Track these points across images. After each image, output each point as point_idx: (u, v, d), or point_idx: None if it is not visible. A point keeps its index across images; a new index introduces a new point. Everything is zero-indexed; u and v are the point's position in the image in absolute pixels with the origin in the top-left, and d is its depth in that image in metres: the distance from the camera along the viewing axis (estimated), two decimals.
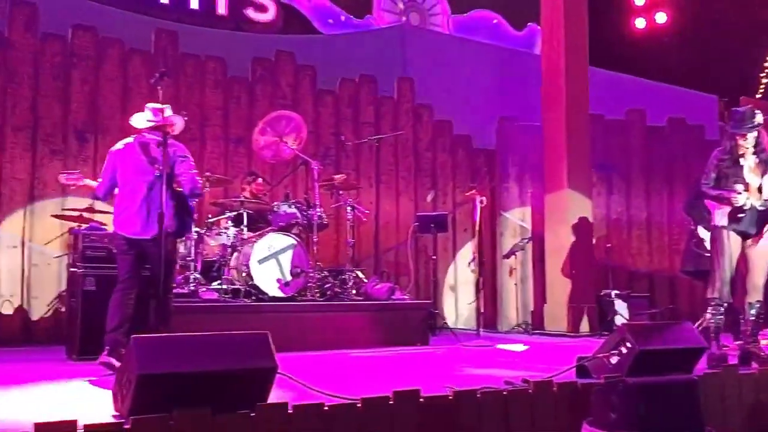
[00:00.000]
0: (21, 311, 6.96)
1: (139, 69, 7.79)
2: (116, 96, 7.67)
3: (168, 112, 5.04)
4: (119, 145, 5.08)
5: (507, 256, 9.09)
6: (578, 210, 8.54)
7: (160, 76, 4.66)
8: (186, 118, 5.32)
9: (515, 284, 9.17)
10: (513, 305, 9.21)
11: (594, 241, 8.84)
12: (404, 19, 12.39)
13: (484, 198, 7.58)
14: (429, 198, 8.67)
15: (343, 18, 11.91)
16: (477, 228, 7.43)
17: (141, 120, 5.01)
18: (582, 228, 8.52)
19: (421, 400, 3.32)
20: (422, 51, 11.04)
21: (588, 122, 8.81)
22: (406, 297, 7.13)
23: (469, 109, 10.22)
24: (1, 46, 7.13)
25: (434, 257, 8.47)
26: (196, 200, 5.11)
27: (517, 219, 9.42)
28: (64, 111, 7.38)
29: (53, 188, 7.23)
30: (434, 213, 8.48)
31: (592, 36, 9.00)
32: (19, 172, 7.11)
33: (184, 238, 6.26)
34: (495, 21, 13.30)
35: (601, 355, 3.92)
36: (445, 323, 8.28)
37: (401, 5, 12.48)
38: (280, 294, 6.34)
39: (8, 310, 6.91)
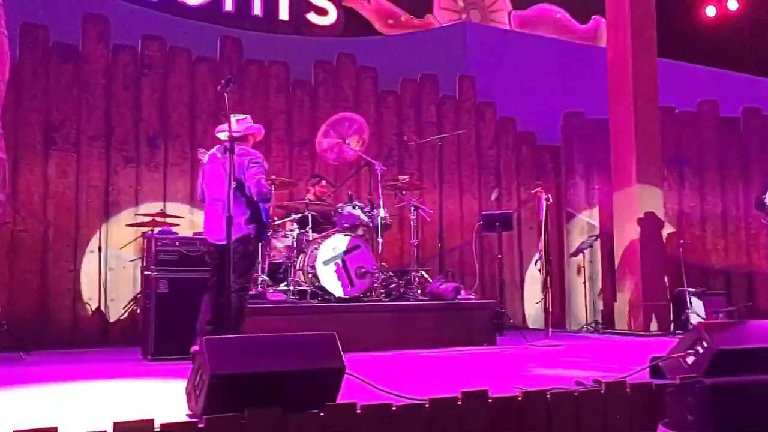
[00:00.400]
0: (99, 313, 7.24)
1: (205, 76, 7.99)
2: (184, 103, 7.89)
3: (249, 121, 5.34)
4: (206, 156, 5.34)
5: (575, 254, 8.92)
6: (648, 205, 8.30)
7: (226, 83, 4.77)
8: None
9: (584, 282, 8.98)
10: (582, 304, 9.02)
11: (666, 237, 8.58)
12: (464, 16, 12.30)
13: (549, 195, 7.44)
14: (493, 196, 8.58)
15: (403, 18, 11.92)
16: (543, 226, 7.31)
17: (224, 133, 5.18)
18: (653, 224, 8.28)
19: (490, 400, 3.28)
20: (483, 48, 10.95)
21: (657, 115, 8.56)
22: (471, 296, 7.08)
23: (532, 105, 10.06)
24: (76, 59, 7.41)
25: (500, 256, 8.38)
26: (267, 204, 5.22)
27: (584, 216, 9.22)
28: (135, 119, 7.64)
29: (127, 194, 7.50)
30: (499, 211, 8.38)
31: (659, 26, 8.73)
32: (94, 179, 7.38)
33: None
34: (558, 15, 13.07)
35: (676, 354, 3.80)
36: (512, 323, 8.18)
37: (461, 3, 12.40)
38: (345, 294, 6.38)
39: (87, 312, 7.19)
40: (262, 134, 5.53)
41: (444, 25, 11.94)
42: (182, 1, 10.16)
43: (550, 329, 7.28)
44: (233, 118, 5.21)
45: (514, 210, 9.04)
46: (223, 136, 5.24)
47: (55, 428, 2.43)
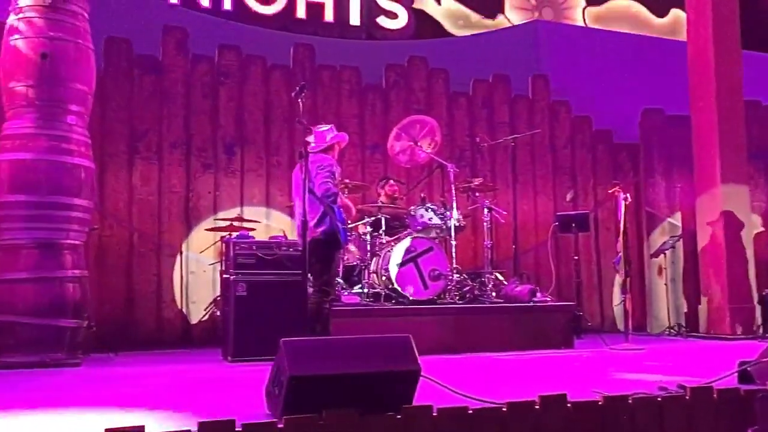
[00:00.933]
0: (181, 315, 7.48)
1: (279, 83, 8.15)
2: (259, 110, 8.07)
3: (333, 131, 5.55)
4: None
5: (656, 255, 8.64)
6: (734, 204, 7.95)
7: (300, 89, 4.86)
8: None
9: (665, 284, 8.68)
10: (664, 306, 8.72)
11: (753, 236, 8.20)
12: (537, 15, 12.11)
13: (628, 195, 7.23)
14: (569, 197, 8.40)
15: (473, 19, 11.83)
16: (622, 226, 7.11)
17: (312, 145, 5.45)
18: (739, 223, 7.94)
19: (569, 405, 3.21)
20: (557, 46, 10.77)
21: (742, 109, 8.20)
22: (548, 299, 6.95)
23: (609, 102, 9.81)
24: (157, 70, 7.70)
25: (576, 257, 8.21)
26: (335, 206, 5.29)
27: (665, 216, 8.93)
28: (213, 127, 7.86)
29: (206, 199, 7.73)
30: (575, 212, 8.22)
31: (743, 16, 8.37)
32: (176, 185, 7.64)
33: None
34: (634, 9, 12.71)
35: (767, 359, 3.62)
36: (590, 326, 7.99)
37: (533, 1, 12.22)
38: (419, 297, 6.38)
39: (170, 315, 7.44)
40: (346, 141, 5.71)
41: (516, 24, 11.79)
42: (256, 10, 10.40)
43: (631, 332, 7.07)
44: (317, 129, 5.50)
45: (591, 210, 8.85)
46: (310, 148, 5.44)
47: (143, 427, 2.52)
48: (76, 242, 5.79)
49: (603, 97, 10.06)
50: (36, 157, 5.56)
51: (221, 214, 7.59)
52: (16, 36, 5.66)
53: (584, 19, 12.46)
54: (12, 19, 5.72)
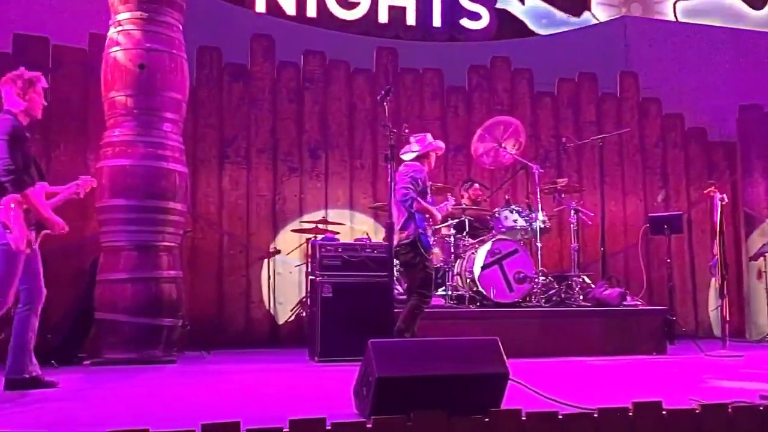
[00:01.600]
0: (268, 316, 7.67)
1: (362, 87, 8.24)
2: (343, 114, 8.18)
3: (429, 138, 5.63)
4: None
5: (755, 258, 8.24)
6: None
7: (386, 93, 4.93)
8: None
9: (766, 289, 8.26)
10: (764, 311, 8.30)
11: None
12: (624, 10, 11.76)
13: (724, 195, 6.92)
14: (660, 197, 8.14)
15: (558, 17, 11.60)
16: (718, 228, 6.81)
17: (408, 155, 5.62)
18: None
19: (664, 412, 3.10)
20: (646, 42, 10.42)
21: None
22: (638, 303, 6.74)
23: (702, 99, 9.43)
24: (245, 77, 7.93)
25: (668, 260, 7.90)
26: (413, 211, 5.36)
27: (765, 217, 8.49)
28: (298, 131, 8.03)
29: (292, 203, 7.90)
30: (667, 213, 7.93)
31: None
32: (263, 189, 7.84)
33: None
34: (728, 2, 12.14)
35: None
36: (684, 331, 7.69)
37: None
38: (504, 300, 6.31)
39: (258, 315, 7.64)
40: (441, 149, 5.72)
41: (602, 21, 11.49)
42: (340, 16, 10.53)
43: (728, 338, 6.76)
44: (414, 137, 5.63)
45: (684, 211, 8.51)
46: (406, 157, 5.59)
47: (238, 422, 2.60)
48: (172, 244, 6.03)
49: (696, 93, 9.69)
50: (134, 163, 5.83)
51: (306, 217, 7.74)
52: (116, 48, 5.95)
53: (675, 14, 12.00)
54: (112, 32, 6.03)
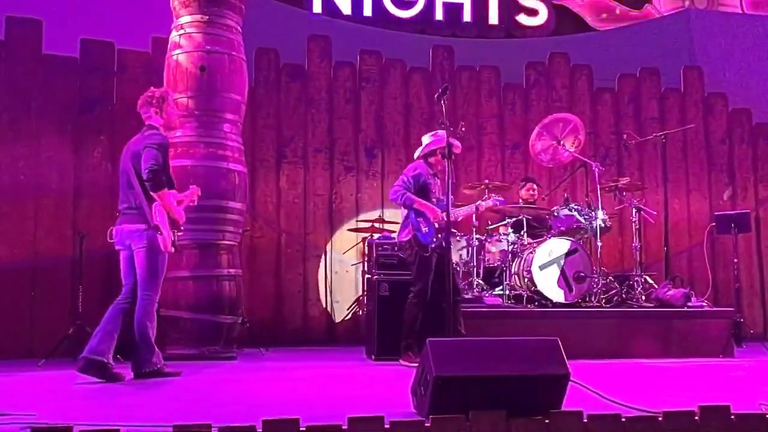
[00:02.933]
0: (325, 314, 7.73)
1: (418, 86, 8.23)
2: (399, 113, 8.18)
3: (438, 135, 5.55)
4: None
5: None
6: None
7: (443, 91, 4.91)
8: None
9: None
10: None
11: None
12: (688, 3, 11.43)
13: None
14: (726, 195, 7.88)
15: (618, 11, 11.35)
16: None
17: (417, 152, 5.76)
18: None
19: (732, 417, 3.00)
20: (711, 36, 10.11)
21: None
22: (704, 304, 6.54)
23: None
24: (302, 77, 8.01)
25: (736, 260, 7.64)
26: (407, 210, 5.48)
27: None
28: (354, 130, 8.07)
29: (348, 202, 7.95)
30: (734, 212, 7.67)
31: None
32: (320, 188, 7.91)
33: (465, 245, 6.50)
34: None
35: None
36: (752, 333, 7.42)
37: None
38: (563, 300, 6.21)
39: (315, 313, 7.72)
40: (441, 144, 5.39)
41: (665, 14, 11.19)
42: (396, 15, 10.55)
43: None
44: (425, 136, 5.66)
45: (751, 209, 8.22)
46: (416, 155, 5.71)
47: (298, 419, 2.63)
48: (232, 243, 6.14)
49: (764, 88, 9.34)
50: (195, 163, 5.96)
51: (363, 216, 7.78)
52: (178, 51, 6.10)
53: (742, 6, 11.60)
54: (174, 36, 6.17)
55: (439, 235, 5.31)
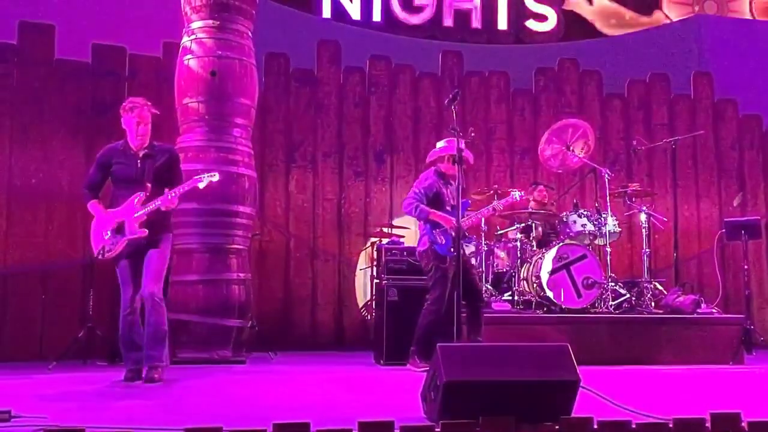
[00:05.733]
0: (334, 318, 7.74)
1: (428, 91, 8.25)
2: (408, 118, 8.20)
3: (440, 144, 5.67)
4: None
5: None
6: None
7: (453, 97, 4.94)
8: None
9: None
10: None
11: None
12: (697, 9, 11.41)
13: None
14: (736, 201, 7.86)
15: (627, 17, 11.35)
16: None
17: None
18: None
19: (743, 424, 2.99)
20: (721, 41, 10.09)
21: None
22: (713, 311, 6.51)
23: None
24: (312, 82, 8.04)
25: (746, 267, 7.60)
26: (421, 221, 5.53)
27: None
28: (364, 135, 8.09)
29: (357, 206, 7.96)
30: (744, 218, 7.64)
31: None
32: (329, 193, 7.93)
33: (473, 251, 6.50)
34: None
35: None
36: (763, 341, 7.38)
37: None
38: (572, 306, 6.20)
39: (323, 317, 7.72)
40: (446, 153, 5.47)
41: (675, 20, 11.17)
42: (405, 21, 10.58)
43: None
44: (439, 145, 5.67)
45: (762, 216, 8.19)
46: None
47: (308, 423, 2.64)
48: (241, 247, 6.16)
49: None
50: (206, 167, 5.93)
51: (372, 221, 7.79)
52: (189, 56, 6.13)
53: (752, 12, 11.58)
54: (185, 41, 6.21)
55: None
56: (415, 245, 5.99)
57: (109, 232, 4.54)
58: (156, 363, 4.53)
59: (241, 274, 6.09)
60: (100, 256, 4.59)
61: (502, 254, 6.80)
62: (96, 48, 7.13)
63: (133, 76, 7.18)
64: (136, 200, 4.54)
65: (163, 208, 4.53)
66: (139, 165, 4.62)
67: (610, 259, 6.52)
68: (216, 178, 4.70)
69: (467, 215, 5.58)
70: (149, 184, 4.56)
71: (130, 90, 7.10)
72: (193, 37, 6.15)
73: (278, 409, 3.58)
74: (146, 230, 4.52)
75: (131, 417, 3.34)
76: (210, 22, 6.11)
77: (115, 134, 6.91)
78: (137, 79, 7.17)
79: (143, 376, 4.51)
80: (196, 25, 6.16)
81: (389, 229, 7.40)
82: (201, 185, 4.64)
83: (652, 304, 6.50)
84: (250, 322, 6.16)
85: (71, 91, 6.92)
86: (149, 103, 4.78)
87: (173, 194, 4.51)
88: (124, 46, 7.26)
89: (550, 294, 6.20)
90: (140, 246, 4.57)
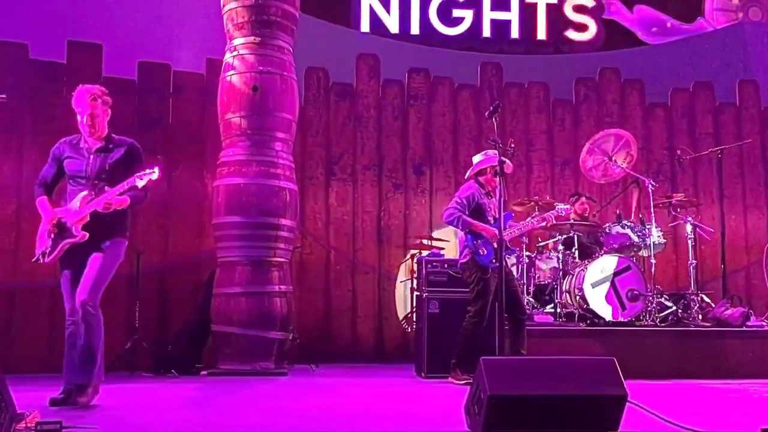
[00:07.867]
0: (374, 331, 7.74)
1: (466, 103, 8.24)
2: (447, 130, 8.20)
3: (489, 154, 5.49)
4: None
5: None
6: None
7: (494, 109, 4.93)
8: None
9: None
10: None
11: None
12: (741, 15, 11.21)
13: None
14: None
15: (669, 25, 11.20)
16: None
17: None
18: None
19: None
20: (767, 48, 9.88)
21: None
22: (764, 323, 6.35)
23: None
24: (351, 95, 8.10)
25: None
26: (463, 232, 5.41)
27: None
28: (403, 148, 8.11)
29: (396, 218, 7.97)
30: None
31: None
32: (368, 205, 7.95)
33: (514, 262, 6.43)
34: None
35: None
36: None
37: (737, 1, 11.32)
38: (616, 318, 6.10)
39: (364, 330, 7.73)
40: (489, 163, 5.39)
41: (718, 27, 10.98)
42: (443, 33, 10.60)
43: None
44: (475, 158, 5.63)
45: None
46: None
47: None
48: (283, 260, 6.22)
49: None
50: (248, 181, 6.07)
51: (411, 233, 7.79)
52: (231, 72, 6.24)
53: None
54: (228, 57, 6.32)
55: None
56: (455, 257, 5.97)
57: (52, 234, 4.01)
58: (84, 384, 3.97)
59: (283, 287, 6.14)
60: (40, 260, 4.07)
61: (544, 266, 6.73)
62: (141, 65, 7.29)
63: (178, 92, 7.32)
64: (80, 199, 4.02)
65: (100, 209, 3.96)
66: (90, 160, 4.13)
67: (655, 271, 6.41)
68: (156, 175, 4.08)
69: (510, 226, 5.54)
70: (98, 182, 4.07)
71: (174, 106, 7.26)
72: (235, 53, 6.25)
73: (321, 420, 3.59)
74: (87, 233, 3.97)
75: (178, 427, 3.38)
76: (252, 38, 6.21)
77: (159, 150, 7.11)
78: (181, 95, 7.31)
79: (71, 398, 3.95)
80: (238, 41, 6.26)
81: (429, 241, 7.38)
82: (140, 183, 4.01)
83: (700, 316, 6.37)
84: (292, 334, 6.20)
85: (118, 107, 6.99)
86: (100, 92, 4.34)
87: (111, 194, 3.98)
88: (168, 63, 7.42)
89: (593, 306, 6.11)
90: (86, 251, 4.01)
